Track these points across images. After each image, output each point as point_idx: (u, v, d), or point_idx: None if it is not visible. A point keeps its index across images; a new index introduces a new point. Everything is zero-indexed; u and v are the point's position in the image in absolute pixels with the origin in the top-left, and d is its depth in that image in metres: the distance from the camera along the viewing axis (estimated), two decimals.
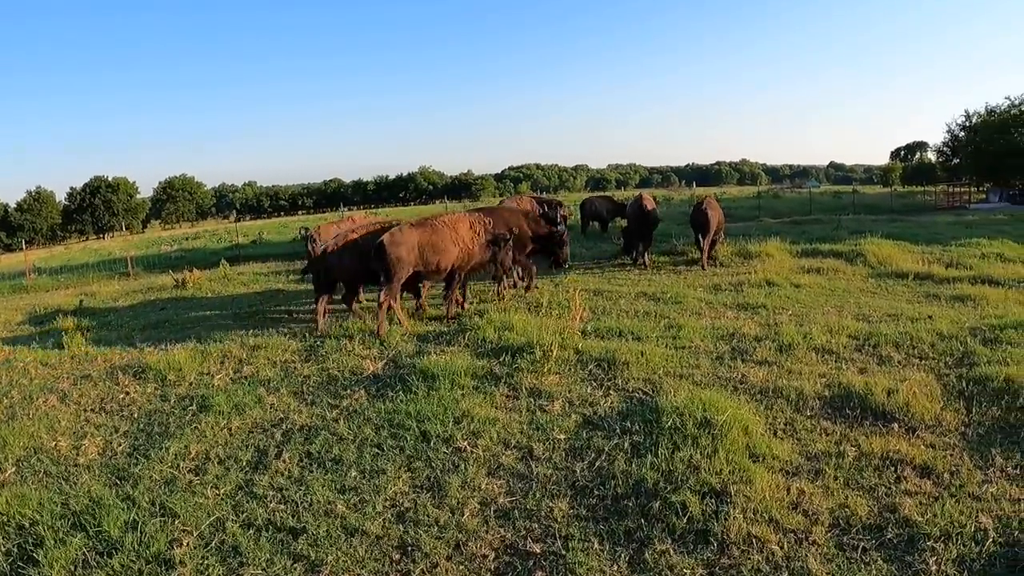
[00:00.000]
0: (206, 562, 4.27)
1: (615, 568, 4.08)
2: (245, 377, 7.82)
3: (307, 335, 9.49)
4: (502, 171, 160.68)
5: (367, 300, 12.17)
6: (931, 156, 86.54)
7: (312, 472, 5.37)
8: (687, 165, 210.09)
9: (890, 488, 4.75)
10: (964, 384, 6.54)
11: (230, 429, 6.30)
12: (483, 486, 5.03)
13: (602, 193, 60.92)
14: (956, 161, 59.34)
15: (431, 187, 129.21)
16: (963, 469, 4.97)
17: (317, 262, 10.51)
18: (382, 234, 9.66)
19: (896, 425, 5.70)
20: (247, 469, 5.51)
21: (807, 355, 7.66)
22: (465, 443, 5.67)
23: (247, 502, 4.98)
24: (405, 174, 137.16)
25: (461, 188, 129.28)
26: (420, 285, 10.77)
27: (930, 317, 9.46)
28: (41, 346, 10.05)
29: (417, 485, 5.10)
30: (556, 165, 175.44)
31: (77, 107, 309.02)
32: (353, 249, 10.05)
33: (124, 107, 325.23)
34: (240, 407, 6.76)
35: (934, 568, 3.88)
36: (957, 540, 4.10)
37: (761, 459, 5.15)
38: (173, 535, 4.54)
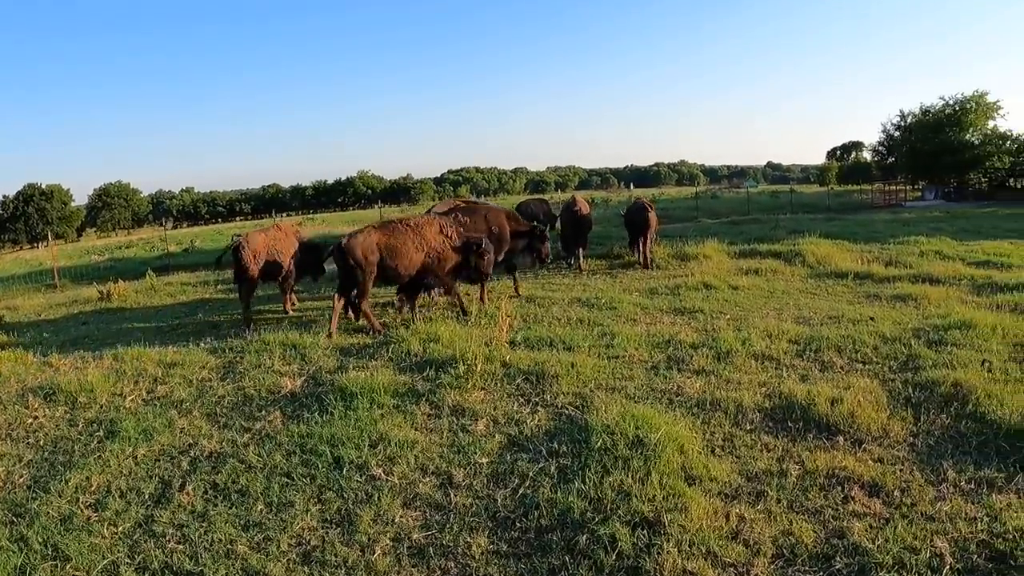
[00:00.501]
0: None
1: None
2: (159, 398, 7.33)
3: (227, 350, 8.99)
4: (441, 175, 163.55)
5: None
6: (867, 155, 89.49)
7: (216, 506, 4.99)
8: (626, 167, 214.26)
9: (838, 510, 4.46)
10: (910, 390, 6.37)
11: (135, 457, 5.86)
12: (397, 519, 4.67)
13: (539, 196, 61.22)
14: (891, 160, 61.33)
15: (370, 192, 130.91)
16: (914, 485, 4.73)
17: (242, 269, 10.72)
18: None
19: (841, 438, 5.45)
20: (148, 503, 5.11)
21: (746, 362, 7.43)
22: (380, 470, 5.31)
23: (145, 542, 4.60)
24: (344, 179, 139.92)
25: (400, 192, 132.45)
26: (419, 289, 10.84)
27: (872, 318, 9.38)
28: None
29: (326, 519, 4.75)
30: (496, 168, 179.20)
31: (8, 112, 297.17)
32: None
33: (59, 112, 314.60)
34: (149, 432, 6.33)
35: None
36: (912, 568, 3.82)
37: (698, 482, 4.83)
38: None
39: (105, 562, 4.37)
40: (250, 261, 10.67)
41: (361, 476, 5.25)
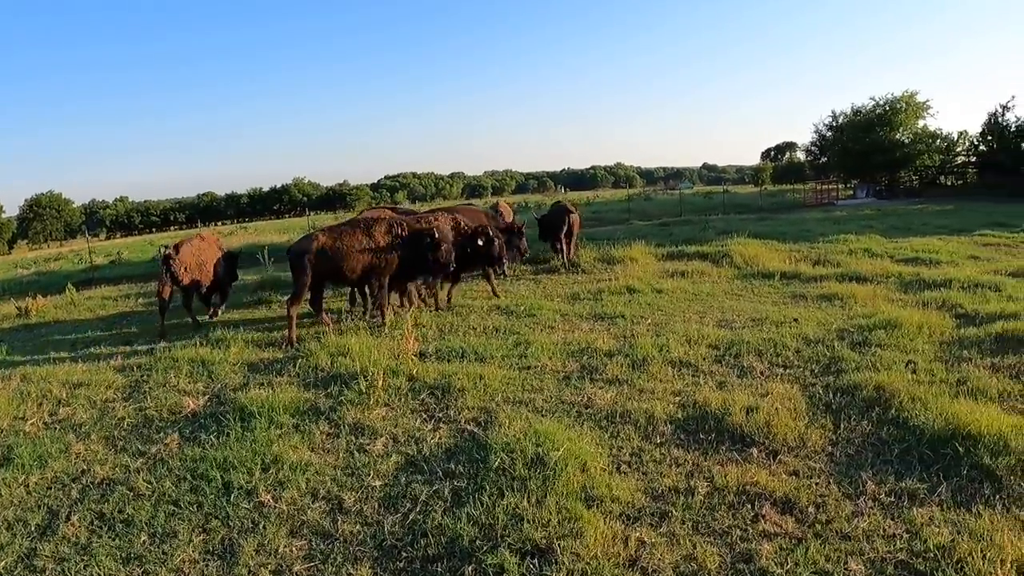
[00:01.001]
0: None
1: None
2: (60, 421, 7.04)
3: (135, 368, 8.70)
4: (378, 180, 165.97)
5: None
6: (800, 155, 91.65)
7: (100, 537, 4.73)
8: (563, 170, 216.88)
9: (746, 530, 4.21)
10: (831, 395, 6.23)
11: (27, 486, 5.59)
12: (281, 549, 4.40)
13: (466, 202, 61.41)
14: (824, 159, 62.76)
15: (306, 199, 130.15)
16: (830, 500, 4.51)
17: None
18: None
19: (755, 450, 5.23)
20: (34, 535, 4.85)
21: (662, 370, 7.21)
22: (269, 496, 5.02)
23: None
24: (279, 186, 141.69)
25: (336, 199, 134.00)
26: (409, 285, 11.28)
27: (796, 320, 9.30)
28: None
29: (209, 550, 4.49)
30: (432, 173, 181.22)
31: None
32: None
33: None
34: (44, 458, 6.04)
35: None
36: None
37: (598, 503, 4.54)
38: None
39: None
40: (180, 271, 10.92)
41: (249, 503, 4.98)
